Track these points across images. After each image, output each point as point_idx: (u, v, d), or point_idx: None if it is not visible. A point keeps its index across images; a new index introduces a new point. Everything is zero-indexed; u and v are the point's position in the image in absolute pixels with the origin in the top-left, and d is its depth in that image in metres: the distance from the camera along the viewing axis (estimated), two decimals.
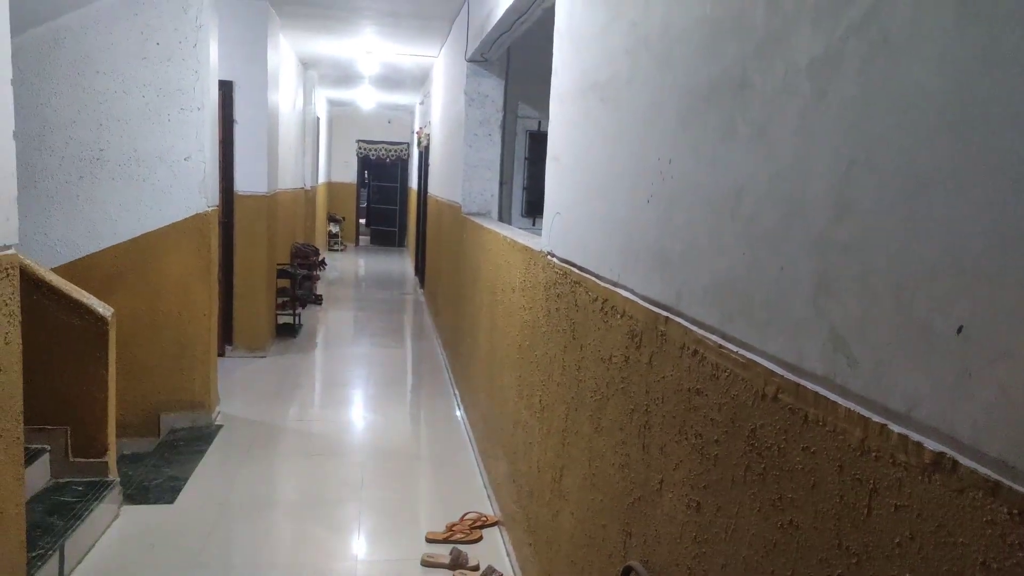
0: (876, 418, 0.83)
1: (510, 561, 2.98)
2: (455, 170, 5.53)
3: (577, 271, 2.05)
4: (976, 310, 0.71)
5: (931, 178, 0.77)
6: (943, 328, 0.75)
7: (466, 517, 3.30)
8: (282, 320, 6.95)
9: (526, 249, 2.82)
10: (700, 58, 1.31)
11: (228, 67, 5.43)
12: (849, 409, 0.87)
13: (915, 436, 0.77)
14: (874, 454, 0.83)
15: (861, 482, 0.85)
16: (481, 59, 4.95)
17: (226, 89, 5.53)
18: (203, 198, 4.09)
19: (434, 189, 7.75)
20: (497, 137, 5.06)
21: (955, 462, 0.72)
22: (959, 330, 0.73)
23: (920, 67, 0.79)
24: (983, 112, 0.71)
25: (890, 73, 0.83)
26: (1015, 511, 0.65)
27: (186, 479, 3.62)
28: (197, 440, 4.10)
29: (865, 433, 0.84)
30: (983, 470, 0.69)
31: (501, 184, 5.19)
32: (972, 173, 0.72)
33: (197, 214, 4.08)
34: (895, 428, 0.80)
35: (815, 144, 0.97)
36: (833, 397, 0.91)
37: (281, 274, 6.82)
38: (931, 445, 0.75)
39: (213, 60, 4.18)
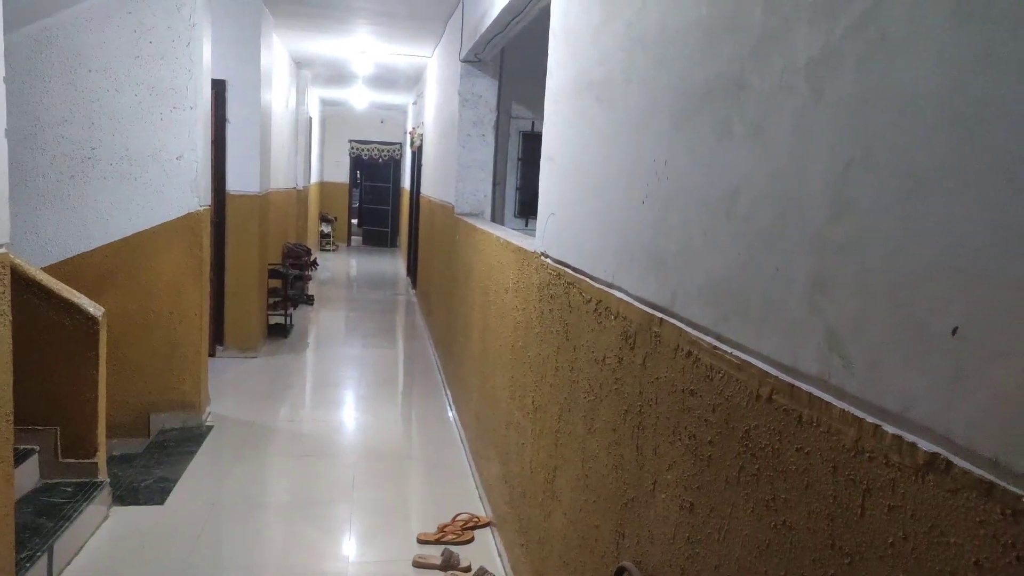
0: (870, 419, 0.83)
1: (502, 562, 2.98)
2: (448, 170, 5.53)
3: (571, 272, 2.05)
4: (972, 311, 0.71)
5: (928, 178, 0.77)
6: (939, 328, 0.75)
7: (458, 518, 3.29)
8: (273, 320, 6.93)
9: (519, 250, 2.81)
10: (696, 58, 1.31)
11: (221, 66, 5.41)
12: (843, 410, 0.87)
13: (909, 437, 0.77)
14: (868, 455, 0.83)
15: (855, 482, 0.85)
16: (475, 59, 4.95)
17: (219, 88, 5.51)
18: (195, 197, 4.07)
19: (427, 189, 7.74)
20: (491, 137, 5.06)
21: (949, 463, 0.72)
22: (954, 331, 0.73)
23: (918, 66, 0.79)
24: (980, 112, 0.71)
25: (888, 72, 0.83)
26: (1008, 511, 0.65)
27: (176, 480, 3.60)
28: (187, 441, 4.08)
29: (859, 434, 0.84)
30: (977, 471, 0.69)
31: (494, 185, 5.18)
32: (969, 173, 0.72)
33: (189, 213, 4.06)
34: (889, 429, 0.80)
35: (812, 143, 0.97)
36: (827, 398, 0.91)
37: (273, 274, 6.80)
38: (925, 446, 0.75)
39: (206, 59, 4.17)
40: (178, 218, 4.04)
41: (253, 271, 5.93)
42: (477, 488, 3.68)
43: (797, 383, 0.97)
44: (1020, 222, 0.66)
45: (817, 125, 0.96)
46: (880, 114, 0.84)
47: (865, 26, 0.88)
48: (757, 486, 1.06)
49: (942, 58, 0.76)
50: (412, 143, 10.30)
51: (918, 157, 0.78)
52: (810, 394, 0.94)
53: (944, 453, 0.73)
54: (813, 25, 0.98)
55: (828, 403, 0.90)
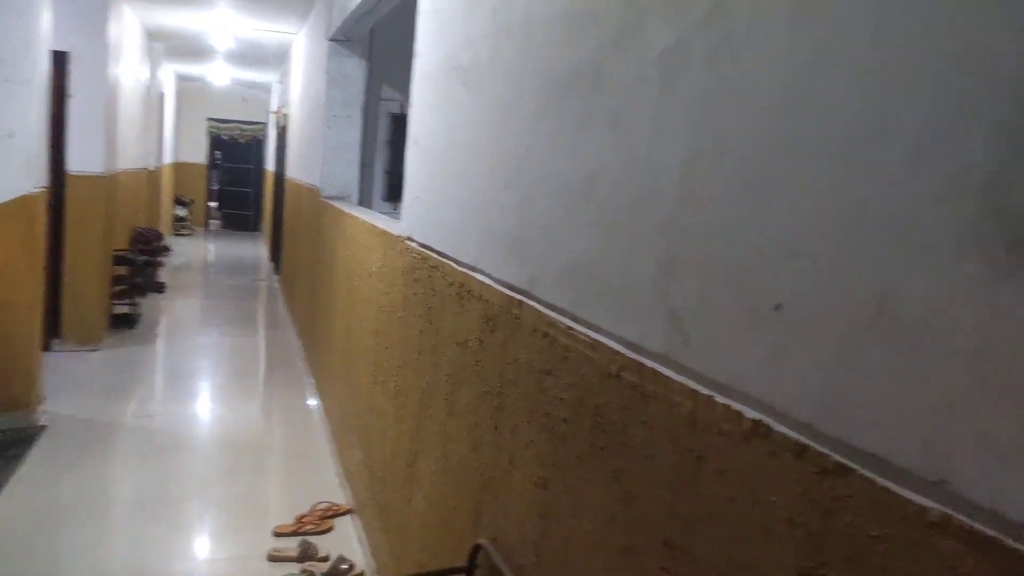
0: (704, 391, 0.88)
1: (362, 549, 2.94)
2: (314, 152, 5.35)
3: (435, 256, 2.04)
4: (795, 290, 0.77)
5: (766, 167, 0.82)
6: (765, 306, 0.81)
7: (317, 508, 3.21)
8: (119, 310, 6.43)
9: (384, 234, 2.77)
10: (560, 46, 1.34)
11: (64, 37, 4.93)
12: (681, 384, 0.93)
13: (737, 406, 0.83)
14: (702, 425, 0.88)
15: (691, 451, 0.90)
16: (343, 38, 4.81)
17: (60, 61, 5.03)
18: (29, 179, 3.70)
19: (292, 172, 7.46)
20: (358, 119, 4.94)
21: (770, 428, 0.78)
22: (776, 307, 0.79)
23: (760, 63, 0.84)
24: (813, 107, 0.76)
25: (733, 67, 0.88)
26: (816, 470, 0.72)
27: (1, 486, 3.27)
28: (16, 443, 3.70)
29: (695, 405, 0.90)
30: (793, 434, 0.75)
31: (363, 167, 5.07)
32: (802, 164, 0.77)
33: (23, 196, 3.69)
34: (720, 399, 0.86)
35: (665, 133, 1.01)
36: (668, 373, 0.96)
37: (119, 261, 6.31)
38: (750, 413, 0.81)
39: (45, 29, 3.79)
40: (10, 201, 3.66)
41: (96, 257, 5.48)
42: (339, 477, 3.61)
43: (644, 360, 1.02)
44: (840, 209, 0.72)
45: (670, 116, 1.00)
46: (727, 107, 0.89)
47: (712, 23, 0.92)
48: (606, 460, 1.10)
49: (781, 56, 0.81)
50: (277, 123, 9.89)
51: (758, 148, 0.84)
52: (654, 370, 0.99)
53: (766, 420, 0.79)
54: (666, 19, 1.02)
55: (669, 378, 0.95)
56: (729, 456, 0.84)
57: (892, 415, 0.66)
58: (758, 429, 0.79)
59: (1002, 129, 0.59)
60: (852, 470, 0.69)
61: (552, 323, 1.30)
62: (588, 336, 1.18)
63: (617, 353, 1.08)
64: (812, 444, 0.73)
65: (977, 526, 0.58)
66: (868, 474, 0.67)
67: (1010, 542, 0.56)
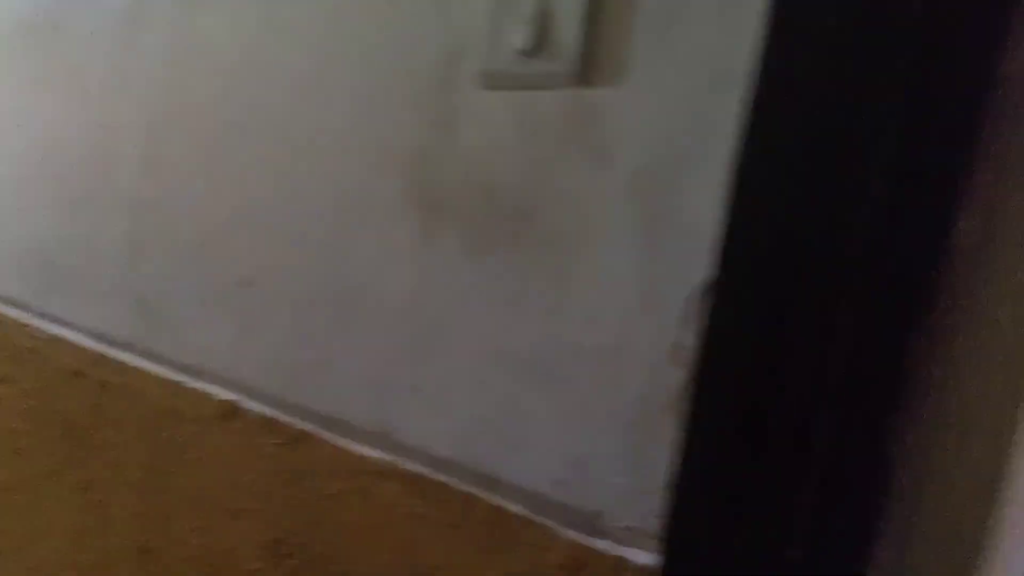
0: (176, 377, 0.82)
1: None
2: None
3: None
4: (260, 264, 0.76)
5: (227, 137, 0.79)
6: (232, 283, 0.78)
7: None
8: None
9: None
10: None
11: None
12: (152, 373, 0.85)
13: (208, 388, 0.79)
14: (175, 413, 0.82)
15: (165, 444, 0.83)
16: None
17: None
18: None
19: None
20: None
21: (241, 407, 0.76)
22: (243, 283, 0.77)
23: (217, 27, 0.81)
24: (266, 76, 0.76)
25: (193, 28, 0.83)
26: (283, 441, 0.72)
27: None
28: None
29: (165, 394, 0.83)
30: (263, 409, 0.75)
31: None
32: (256, 134, 0.76)
33: None
34: (192, 384, 0.80)
35: (128, 97, 0.91)
36: (137, 363, 0.87)
37: None
38: (223, 395, 0.78)
39: None
40: None
41: None
42: None
43: (112, 352, 0.91)
44: (293, 180, 0.73)
45: (133, 77, 0.91)
46: (188, 71, 0.84)
47: None
48: (75, 470, 0.96)
49: (235, 22, 0.79)
50: None
51: (219, 116, 0.80)
52: (122, 362, 0.89)
53: (238, 399, 0.77)
54: None
55: (138, 368, 0.87)
56: (204, 443, 0.79)
57: (344, 377, 0.69)
58: (229, 410, 0.76)
59: (423, 110, 0.65)
60: (313, 435, 0.70)
61: (6, 320, 1.08)
62: (51, 333, 1.01)
63: (81, 348, 0.95)
64: (280, 416, 0.73)
65: (412, 467, 0.64)
66: (327, 436, 0.70)
67: (432, 474, 0.63)
